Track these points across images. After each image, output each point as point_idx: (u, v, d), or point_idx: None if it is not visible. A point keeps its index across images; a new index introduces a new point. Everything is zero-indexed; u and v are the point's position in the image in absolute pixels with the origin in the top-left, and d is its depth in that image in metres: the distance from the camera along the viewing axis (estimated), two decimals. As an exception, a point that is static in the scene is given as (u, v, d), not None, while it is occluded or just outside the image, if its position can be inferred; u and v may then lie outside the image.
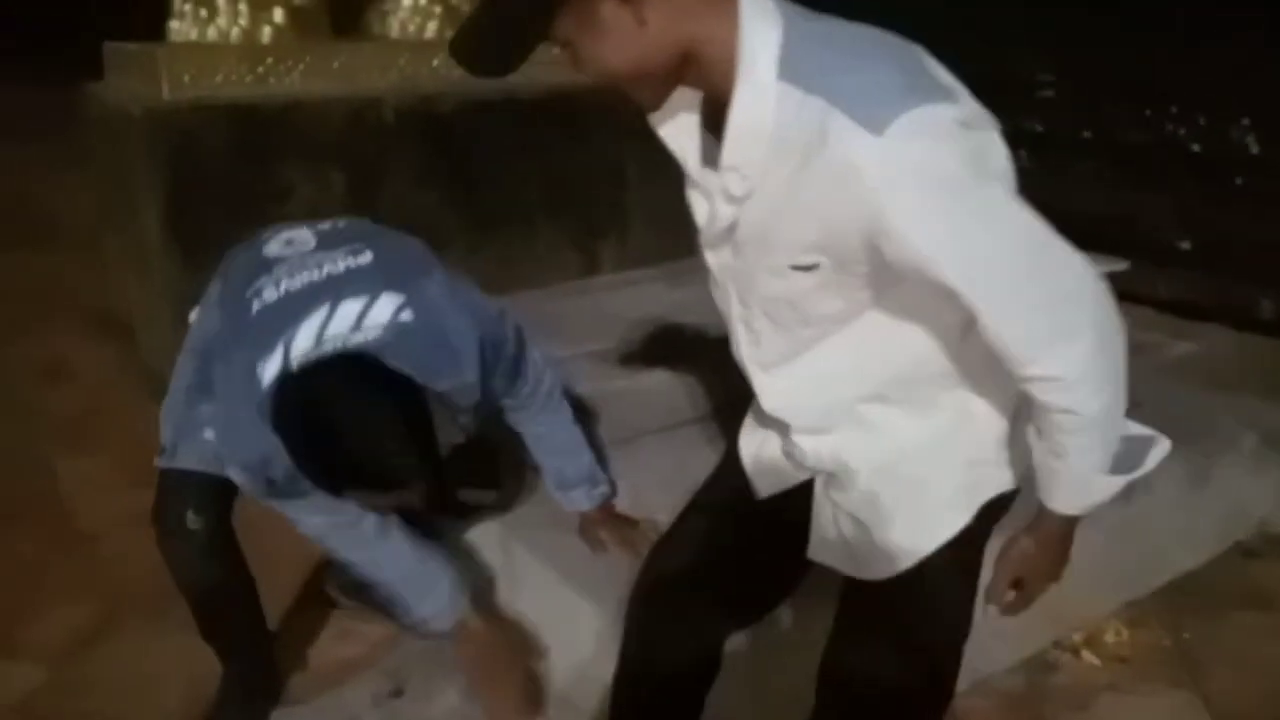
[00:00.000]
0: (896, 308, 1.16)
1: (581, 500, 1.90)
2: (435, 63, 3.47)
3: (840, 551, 1.33)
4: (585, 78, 1.08)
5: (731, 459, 1.48)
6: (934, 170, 0.97)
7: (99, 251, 3.72)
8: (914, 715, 1.31)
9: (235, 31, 3.31)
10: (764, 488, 1.41)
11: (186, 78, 3.13)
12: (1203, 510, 2.38)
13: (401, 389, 1.38)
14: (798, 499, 1.37)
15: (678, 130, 1.15)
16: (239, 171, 3.18)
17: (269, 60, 3.26)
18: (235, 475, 1.54)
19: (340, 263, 1.54)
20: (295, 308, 1.48)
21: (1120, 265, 4.22)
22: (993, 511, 1.30)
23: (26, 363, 3.66)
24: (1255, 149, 3.99)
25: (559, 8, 0.99)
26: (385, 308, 1.48)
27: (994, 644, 2.06)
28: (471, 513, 1.93)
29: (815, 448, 1.31)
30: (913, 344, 1.19)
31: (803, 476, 1.36)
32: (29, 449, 3.05)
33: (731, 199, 1.08)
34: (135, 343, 3.60)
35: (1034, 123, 6.93)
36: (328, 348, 1.41)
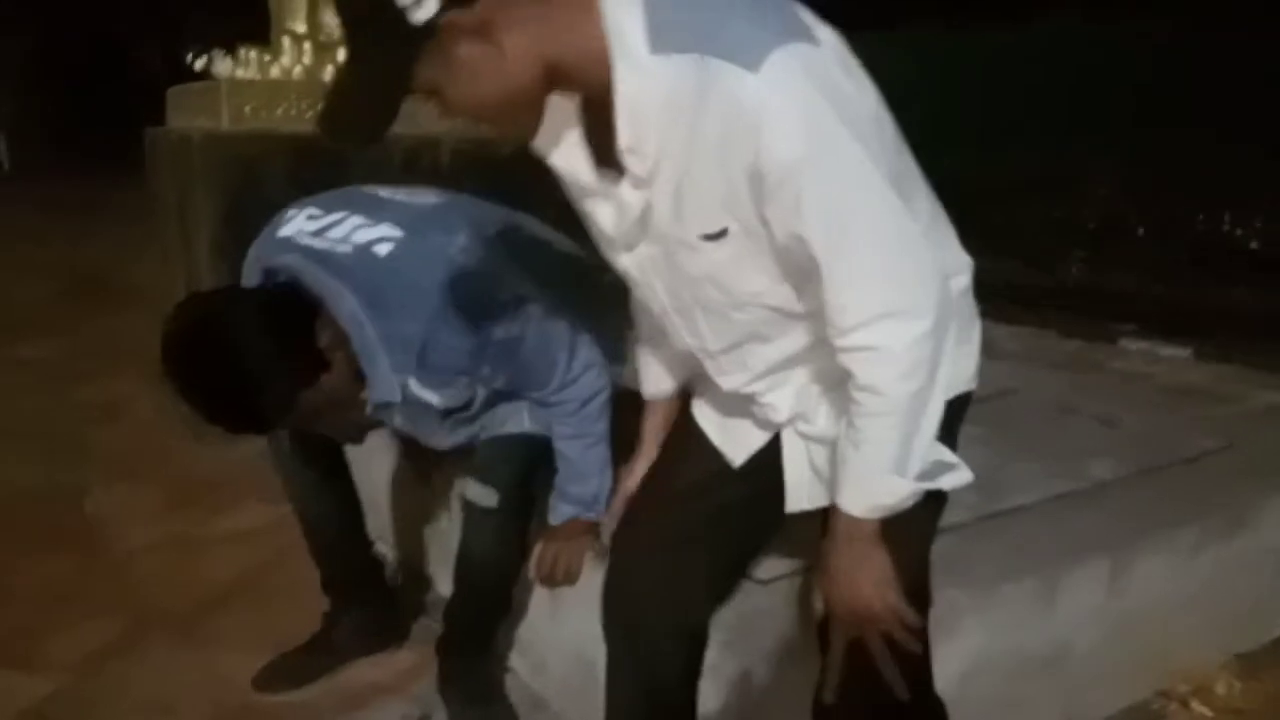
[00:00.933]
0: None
1: (562, 516, 1.78)
2: (495, 107, 3.47)
3: (815, 489, 1.29)
4: (457, 121, 1.07)
5: (683, 437, 1.44)
6: (808, 107, 0.97)
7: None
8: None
9: (298, 70, 3.34)
10: (738, 455, 1.36)
11: (248, 110, 3.16)
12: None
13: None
14: (762, 461, 1.34)
15: (565, 150, 1.12)
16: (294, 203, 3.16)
17: (330, 97, 3.28)
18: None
19: (408, 197, 1.74)
20: (342, 201, 1.70)
21: (1183, 353, 4.08)
22: (954, 409, 1.19)
23: (84, 405, 3.70)
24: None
25: (416, 60, 0.98)
26: (370, 234, 1.60)
27: (1092, 691, 1.88)
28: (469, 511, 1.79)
29: (783, 398, 1.27)
30: None
31: (772, 431, 1.32)
32: (75, 479, 3.01)
33: (639, 182, 1.06)
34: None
35: (1088, 218, 7.08)
36: (310, 243, 1.61)
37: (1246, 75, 5.80)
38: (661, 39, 0.98)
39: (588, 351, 1.74)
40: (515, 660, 2.02)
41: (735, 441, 1.36)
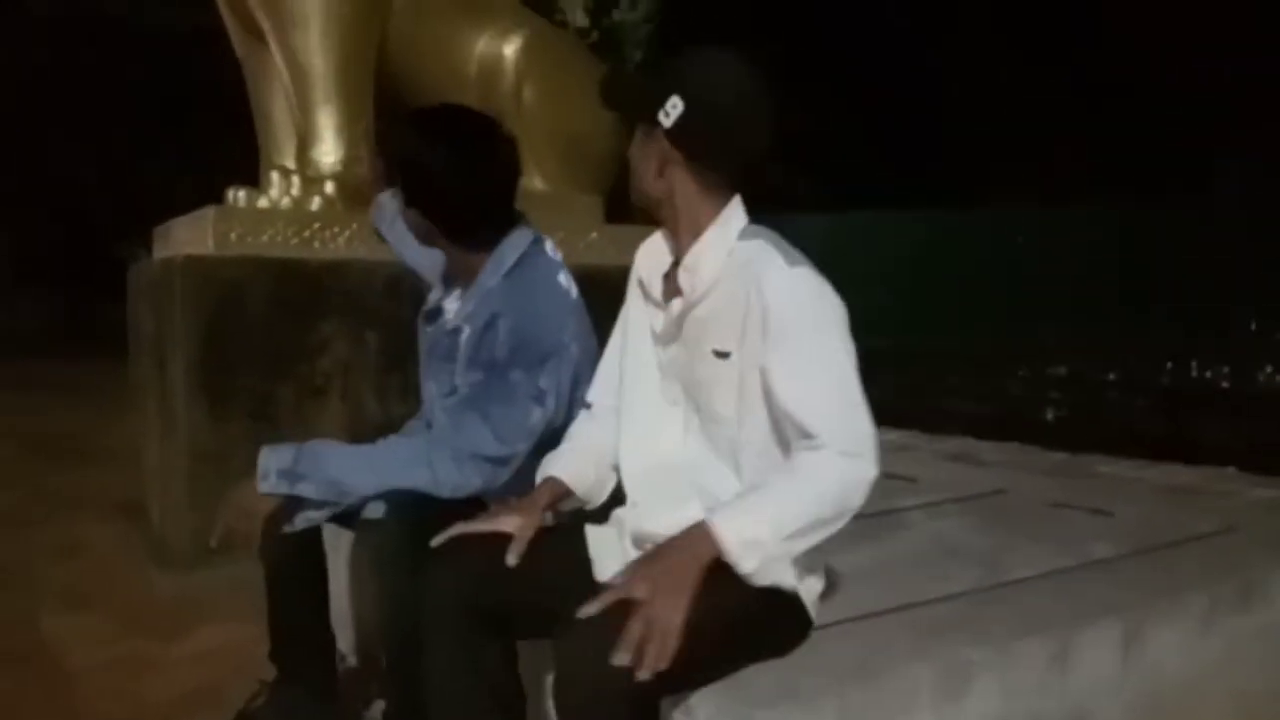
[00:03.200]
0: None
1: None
2: (476, 237, 3.54)
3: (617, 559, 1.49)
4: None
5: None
6: (815, 303, 1.43)
7: (135, 467, 3.71)
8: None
9: (285, 201, 3.40)
10: (605, 571, 1.49)
11: (233, 236, 3.19)
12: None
13: None
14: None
15: (654, 265, 1.60)
16: (275, 324, 3.16)
17: (316, 225, 3.33)
18: None
19: None
20: None
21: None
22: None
23: (45, 543, 3.60)
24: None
25: (640, 123, 1.50)
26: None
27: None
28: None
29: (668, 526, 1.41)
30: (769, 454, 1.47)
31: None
32: (31, 610, 2.90)
33: (690, 295, 1.49)
34: (149, 520, 3.46)
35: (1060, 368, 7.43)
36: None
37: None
38: (747, 234, 1.50)
39: (526, 443, 1.77)
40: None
41: (611, 559, 1.50)
